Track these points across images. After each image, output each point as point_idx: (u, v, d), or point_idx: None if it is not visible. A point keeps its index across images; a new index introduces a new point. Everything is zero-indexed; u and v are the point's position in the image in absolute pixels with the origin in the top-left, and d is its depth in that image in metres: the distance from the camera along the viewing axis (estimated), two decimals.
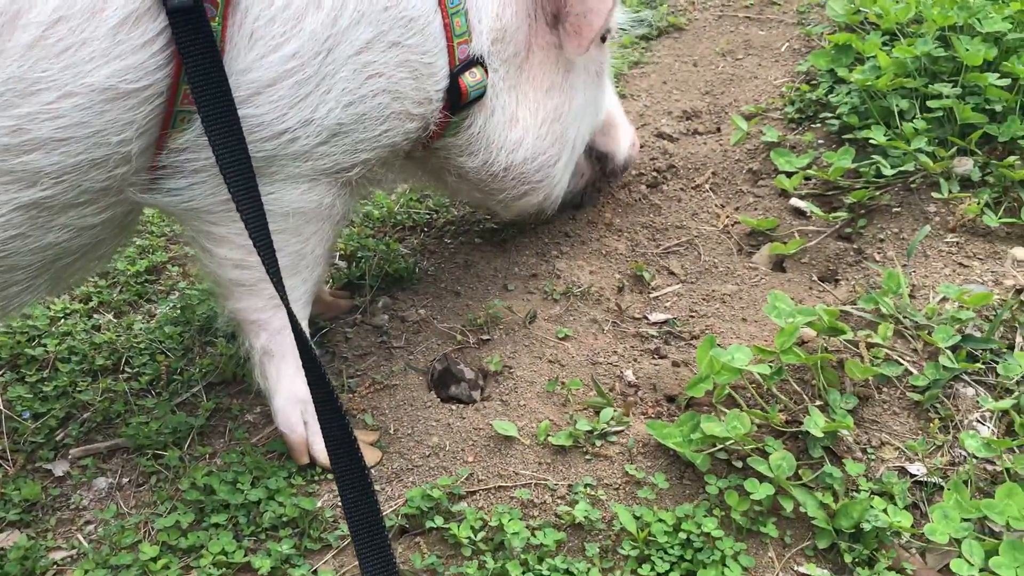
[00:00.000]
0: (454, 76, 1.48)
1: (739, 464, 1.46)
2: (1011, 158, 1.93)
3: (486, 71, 1.53)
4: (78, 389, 1.88)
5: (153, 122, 1.27)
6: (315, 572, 1.44)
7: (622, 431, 1.58)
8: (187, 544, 1.51)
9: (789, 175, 2.13)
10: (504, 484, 1.53)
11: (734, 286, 1.93)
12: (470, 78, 1.50)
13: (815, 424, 1.42)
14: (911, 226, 1.94)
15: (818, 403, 1.52)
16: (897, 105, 2.10)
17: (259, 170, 1.35)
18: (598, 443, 1.57)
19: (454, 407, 1.70)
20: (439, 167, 1.71)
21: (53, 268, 1.41)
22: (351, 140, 1.41)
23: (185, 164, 1.36)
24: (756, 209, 2.15)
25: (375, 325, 1.94)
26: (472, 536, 1.43)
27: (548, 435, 1.57)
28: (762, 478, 1.41)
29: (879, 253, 1.91)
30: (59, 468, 1.77)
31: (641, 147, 2.33)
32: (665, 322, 1.85)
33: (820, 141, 2.25)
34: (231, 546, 1.49)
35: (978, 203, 1.88)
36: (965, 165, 1.99)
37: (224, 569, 1.46)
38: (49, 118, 1.18)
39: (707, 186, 2.26)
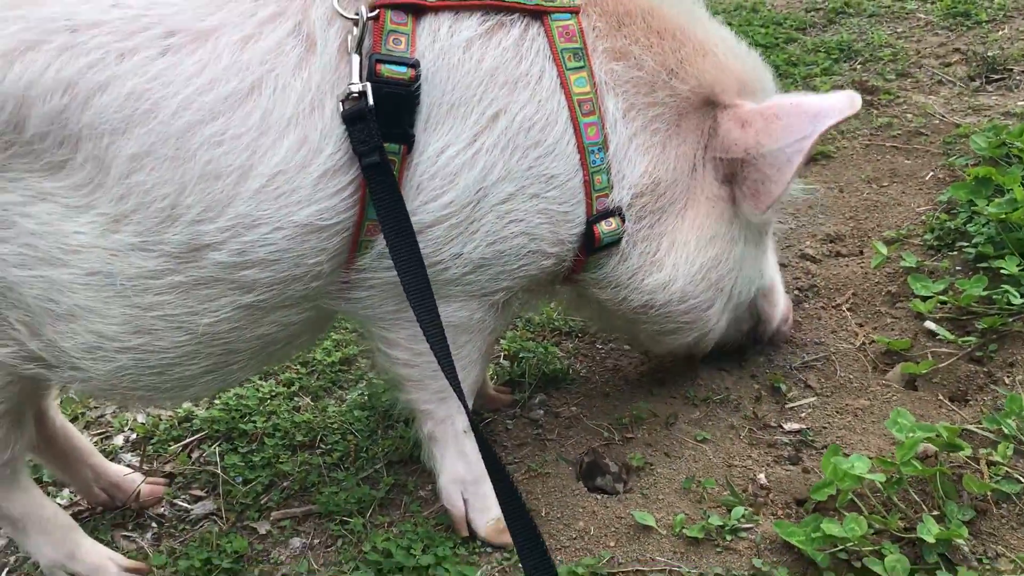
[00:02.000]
0: (590, 224, 1.68)
1: (857, 564, 1.61)
2: None
3: (623, 220, 1.72)
4: (280, 461, 2.21)
5: (341, 248, 1.58)
6: None
7: (751, 528, 1.76)
8: None
9: (924, 299, 2.27)
10: (641, 568, 1.73)
11: (867, 401, 2.08)
12: (605, 226, 1.69)
13: (928, 531, 1.55)
14: None
15: (935, 513, 1.64)
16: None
17: None
18: (729, 537, 1.74)
19: (599, 497, 1.92)
20: (583, 297, 1.93)
21: (263, 353, 1.73)
22: (493, 271, 1.67)
23: (364, 280, 1.66)
24: (893, 330, 2.29)
25: (532, 419, 2.19)
26: None
27: (683, 527, 1.76)
28: None
29: (1008, 377, 2.02)
30: (262, 527, 2.08)
31: (784, 267, 2.52)
32: (799, 431, 2.01)
33: (957, 268, 2.38)
34: None
35: None
36: None
37: None
38: (264, 245, 1.50)
39: (846, 306, 2.42)
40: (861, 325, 2.35)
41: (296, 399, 2.46)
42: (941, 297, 2.25)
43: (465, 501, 1.87)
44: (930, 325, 2.23)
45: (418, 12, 1.52)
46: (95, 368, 1.59)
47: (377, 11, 1.49)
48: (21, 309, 1.53)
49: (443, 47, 1.52)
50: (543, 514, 1.90)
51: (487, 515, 1.86)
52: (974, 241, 2.34)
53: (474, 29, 1.54)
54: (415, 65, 1.49)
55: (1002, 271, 2.15)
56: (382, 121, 1.47)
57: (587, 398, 2.21)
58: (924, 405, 2.03)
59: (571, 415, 2.16)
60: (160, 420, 2.44)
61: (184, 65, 1.43)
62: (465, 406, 1.50)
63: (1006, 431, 1.77)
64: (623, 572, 1.74)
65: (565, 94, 1.60)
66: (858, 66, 3.84)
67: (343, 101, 1.47)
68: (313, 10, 1.50)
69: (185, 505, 2.18)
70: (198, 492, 2.22)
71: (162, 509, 2.19)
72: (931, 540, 1.55)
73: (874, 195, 2.86)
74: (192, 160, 1.43)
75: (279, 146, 1.46)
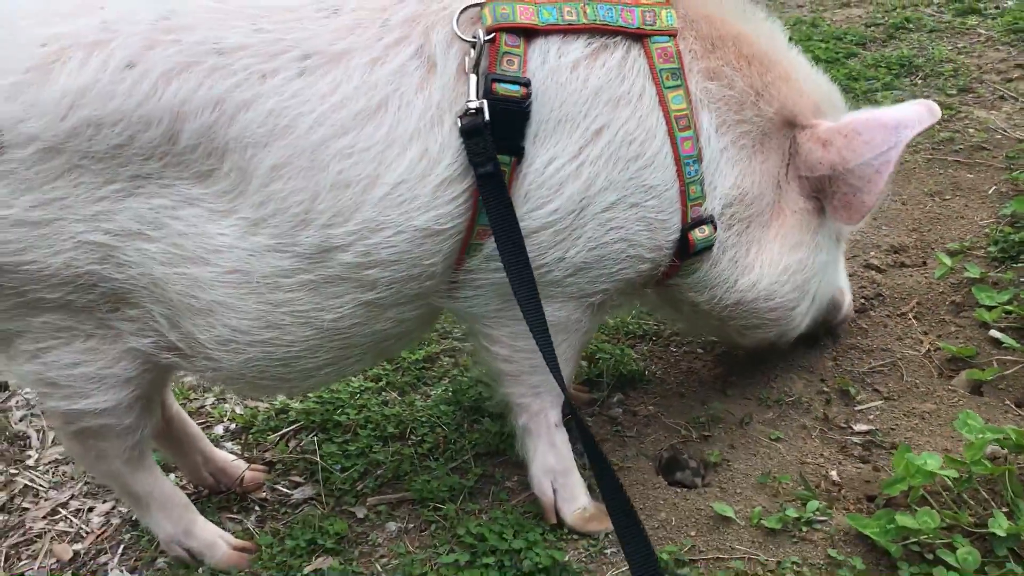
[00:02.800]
0: (684, 231, 1.82)
1: (930, 556, 1.71)
2: None
3: (715, 228, 1.85)
4: (373, 450, 2.36)
5: (453, 251, 1.72)
6: None
7: (826, 520, 1.87)
8: None
9: (989, 309, 2.36)
10: (721, 556, 1.85)
11: (933, 405, 2.18)
12: (699, 233, 1.82)
13: (999, 525, 1.66)
14: None
15: (1004, 510, 1.75)
16: None
17: None
18: (804, 529, 1.86)
19: (678, 490, 2.04)
20: (674, 299, 2.06)
21: (377, 348, 1.89)
22: (593, 274, 1.81)
23: (472, 281, 1.80)
24: (957, 338, 2.39)
25: (610, 416, 2.32)
26: None
27: (761, 519, 1.88)
28: (950, 568, 1.66)
29: None
30: (360, 512, 2.23)
31: (851, 276, 2.62)
32: (868, 432, 2.12)
33: (1021, 279, 2.47)
34: None
35: None
36: None
37: None
38: (387, 247, 1.65)
39: (911, 315, 2.52)
40: (926, 333, 2.45)
41: (384, 394, 2.62)
42: (1007, 307, 2.34)
43: (554, 491, 2.00)
44: (995, 333, 2.33)
45: (530, 35, 1.66)
46: (227, 359, 1.75)
47: (493, 34, 1.63)
48: (164, 303, 1.69)
49: (552, 67, 1.66)
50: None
51: (574, 504, 1.99)
52: None
53: (581, 51, 1.67)
54: (527, 84, 1.62)
55: None
56: (495, 135, 1.60)
57: (663, 398, 2.34)
58: (990, 410, 2.13)
59: (648, 414, 2.29)
60: (258, 411, 2.61)
61: (319, 85, 1.58)
62: (568, 395, 1.63)
63: None
64: (704, 560, 1.86)
65: (663, 111, 1.73)
66: (919, 81, 3.93)
67: (461, 117, 1.61)
68: (434, 34, 1.64)
69: (285, 490, 2.34)
70: (297, 479, 2.38)
71: (264, 494, 2.35)
72: (1002, 534, 1.65)
73: (936, 208, 2.95)
74: (325, 171, 1.58)
75: (403, 158, 1.60)
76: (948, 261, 2.58)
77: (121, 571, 2.23)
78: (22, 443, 2.75)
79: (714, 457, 2.08)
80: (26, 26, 1.54)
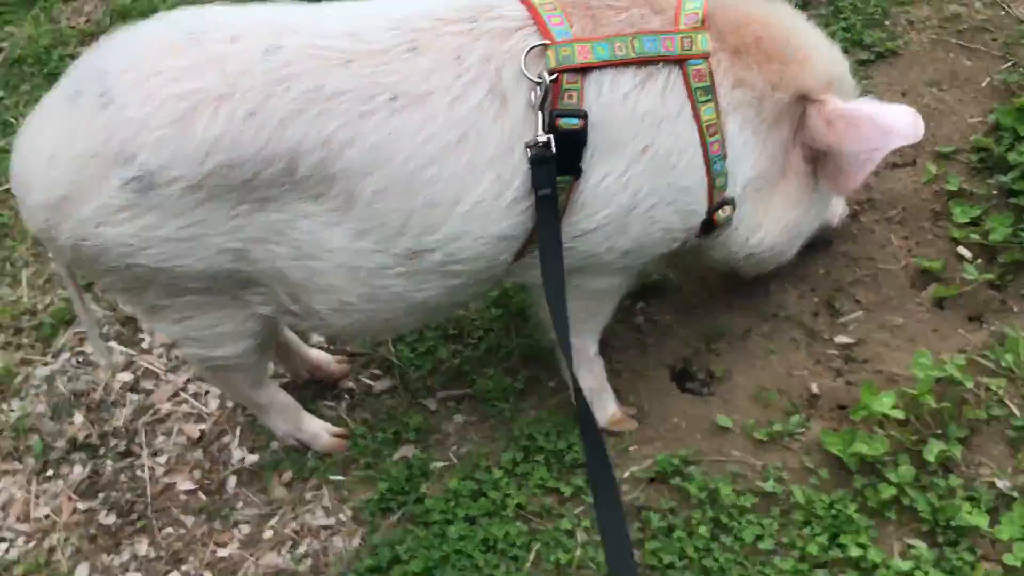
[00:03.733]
0: (710, 213, 2.18)
1: (880, 468, 2.25)
2: None
3: (734, 208, 2.21)
4: (438, 351, 2.87)
5: (515, 249, 2.11)
6: None
7: (804, 432, 2.39)
8: (520, 471, 2.47)
9: (960, 226, 2.75)
10: (719, 459, 2.40)
11: (902, 319, 2.63)
12: (722, 214, 2.18)
13: (931, 451, 2.18)
14: None
15: (939, 431, 2.26)
16: None
17: (580, 269, 2.19)
18: (786, 439, 2.39)
19: (689, 398, 2.56)
20: (693, 256, 2.46)
21: (454, 307, 2.42)
22: (637, 255, 2.21)
23: (531, 263, 2.16)
24: (932, 248, 2.79)
25: (634, 324, 2.79)
26: (698, 492, 2.31)
27: (753, 430, 2.40)
28: (891, 483, 2.19)
29: (1017, 306, 2.55)
30: (432, 404, 2.77)
31: None
32: (846, 345, 2.59)
33: (994, 193, 2.83)
34: (547, 476, 2.45)
35: None
36: None
37: (541, 490, 2.42)
38: (468, 250, 2.03)
39: (896, 220, 2.91)
40: (907, 239, 2.84)
41: None
42: (973, 226, 2.71)
43: (591, 403, 2.51)
44: (962, 251, 2.73)
45: (586, 71, 1.95)
46: (336, 321, 2.20)
47: (556, 75, 1.92)
48: (286, 286, 2.11)
49: (607, 100, 1.96)
50: (645, 408, 2.56)
51: (606, 412, 2.52)
52: (1009, 176, 2.77)
53: (630, 82, 1.96)
54: (584, 116, 1.94)
55: None
56: (559, 161, 1.94)
57: (679, 308, 2.80)
58: (947, 324, 2.59)
59: (666, 324, 2.76)
60: None
61: (410, 122, 1.90)
62: (569, 361, 1.97)
63: (1003, 364, 2.34)
64: (707, 461, 2.41)
65: (696, 123, 2.04)
66: None
67: (530, 147, 1.94)
68: (504, 73, 1.93)
69: (368, 382, 2.88)
70: (377, 372, 2.91)
71: (350, 384, 2.90)
72: (931, 458, 2.17)
73: (933, 101, 3.22)
74: (418, 195, 1.94)
75: (480, 182, 1.95)
76: (933, 168, 2.92)
77: (242, 451, 2.83)
78: (133, 325, 3.25)
79: (719, 372, 2.58)
80: (161, 83, 1.85)
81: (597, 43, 1.93)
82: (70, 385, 3.14)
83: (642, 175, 2.04)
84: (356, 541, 2.50)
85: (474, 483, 2.47)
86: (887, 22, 3.57)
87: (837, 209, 2.74)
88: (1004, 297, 2.60)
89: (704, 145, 2.07)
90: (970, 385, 2.29)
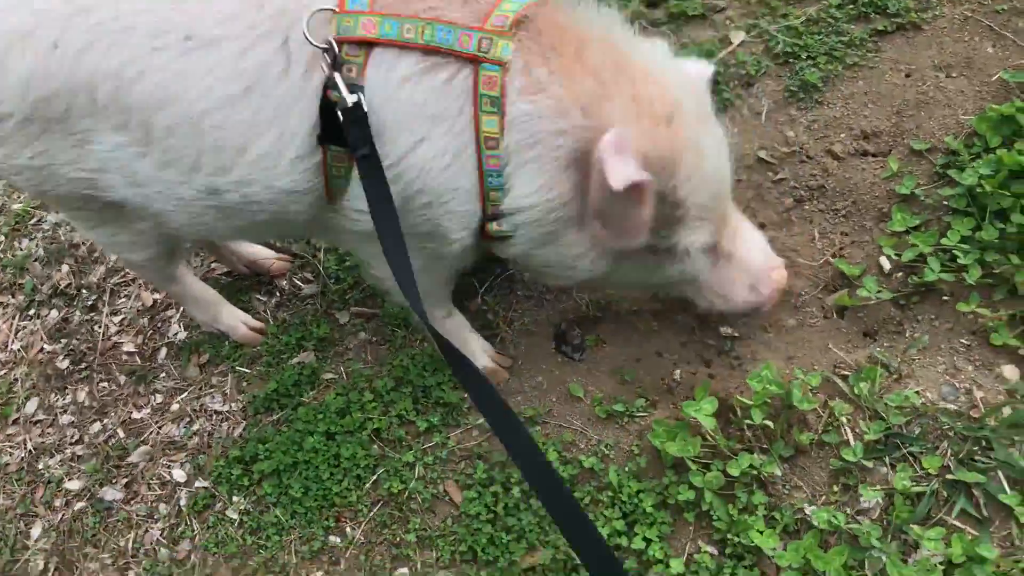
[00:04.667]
0: (483, 220, 2.04)
1: (691, 469, 2.28)
2: None
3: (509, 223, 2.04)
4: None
5: (309, 203, 2.08)
6: (448, 438, 2.52)
7: (645, 416, 2.43)
8: (388, 399, 2.63)
9: (893, 235, 2.62)
10: (562, 425, 2.48)
11: (795, 321, 2.58)
12: (495, 226, 2.04)
13: (737, 465, 2.19)
14: (949, 318, 2.43)
15: (764, 446, 2.25)
16: (1000, 204, 2.47)
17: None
18: (625, 420, 2.43)
19: (560, 359, 2.62)
20: None
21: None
22: (421, 244, 2.14)
23: (337, 227, 2.19)
24: (861, 251, 2.68)
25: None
26: None
27: (598, 404, 2.46)
28: (692, 485, 2.23)
29: (911, 330, 2.45)
30: (343, 318, 2.94)
31: (806, 162, 2.87)
32: (727, 338, 2.57)
33: (943, 204, 2.66)
34: (409, 409, 2.60)
35: (1000, 319, 2.33)
36: None
37: (400, 420, 2.58)
38: (260, 196, 2.04)
39: (842, 213, 2.79)
40: (844, 235, 2.73)
41: None
42: (903, 239, 2.58)
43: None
44: (883, 261, 2.61)
45: (371, 46, 1.88)
46: (201, 232, 2.28)
47: (339, 44, 1.87)
48: (138, 208, 2.23)
49: (384, 80, 1.87)
50: (519, 363, 2.65)
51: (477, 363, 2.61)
52: (955, 190, 2.59)
53: (412, 67, 1.87)
54: (360, 90, 1.87)
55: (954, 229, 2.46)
56: (328, 134, 1.91)
57: None
58: (838, 335, 2.51)
59: None
60: None
61: (200, 65, 1.92)
62: (422, 315, 1.85)
63: (856, 391, 2.28)
64: (553, 424, 2.49)
65: (475, 131, 1.90)
66: None
67: (336, 107, 1.87)
68: (294, 32, 1.89)
69: (299, 284, 3.07)
70: (308, 276, 3.09)
71: (284, 283, 3.10)
72: (737, 472, 2.19)
73: (933, 87, 2.99)
74: (205, 136, 1.97)
75: (264, 137, 1.94)
76: (895, 165, 2.76)
77: (179, 326, 3.10)
78: None
79: (591, 341, 2.62)
80: None
81: (387, 19, 1.85)
82: (68, 236, 3.49)
83: (413, 170, 1.94)
84: (239, 431, 2.75)
85: (344, 400, 2.65)
86: None
87: (735, 289, 2.32)
88: (903, 319, 2.49)
89: (479, 155, 1.92)
90: (807, 407, 2.25)
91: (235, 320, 2.92)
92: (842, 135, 2.97)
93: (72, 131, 2.05)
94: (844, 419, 2.27)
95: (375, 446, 2.57)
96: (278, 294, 3.08)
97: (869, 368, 2.30)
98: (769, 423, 2.25)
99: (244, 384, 2.86)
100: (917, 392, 2.29)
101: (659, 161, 1.90)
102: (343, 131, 1.88)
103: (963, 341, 2.39)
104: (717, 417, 2.33)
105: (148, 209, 2.20)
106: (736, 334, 2.58)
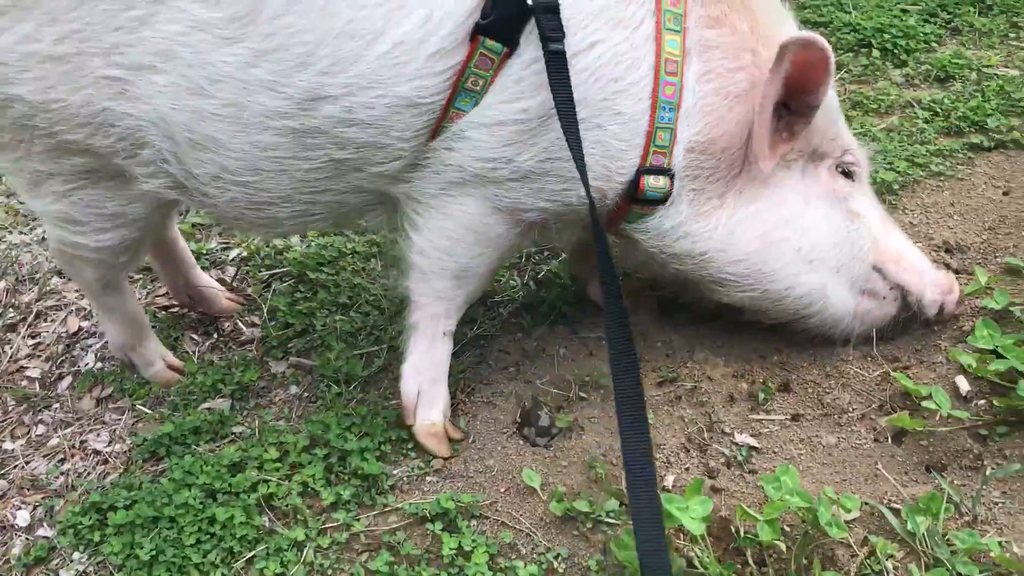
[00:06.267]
0: (639, 173, 1.78)
1: None
2: None
3: (671, 181, 1.81)
4: (315, 315, 2.50)
5: (417, 128, 1.76)
6: (356, 519, 1.89)
7: (616, 525, 1.78)
8: (295, 459, 2.03)
9: (977, 352, 2.01)
10: (507, 523, 1.84)
11: (836, 438, 1.94)
12: (652, 181, 1.79)
13: None
14: None
15: (763, 569, 1.59)
16: None
17: (463, 183, 1.82)
18: (588, 525, 1.79)
19: (520, 442, 2.02)
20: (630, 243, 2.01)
21: (337, 212, 2.00)
22: (534, 187, 1.81)
23: (425, 162, 1.83)
24: (933, 371, 2.07)
25: (518, 342, 2.28)
26: (450, 551, 1.77)
27: (557, 501, 1.83)
28: None
29: (996, 465, 1.79)
30: (279, 367, 2.40)
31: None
32: (743, 446, 1.94)
33: None
34: (318, 477, 1.99)
35: None
36: None
37: (302, 488, 1.97)
38: (368, 109, 1.72)
39: (911, 328, 2.19)
40: (916, 351, 2.12)
41: (372, 261, 2.72)
42: (989, 359, 1.97)
43: (418, 393, 2.04)
44: (960, 382, 1.99)
45: None
46: (216, 193, 1.89)
47: None
48: (168, 138, 1.80)
49: None
50: (471, 439, 2.05)
51: (429, 414, 2.04)
52: None
53: None
54: None
55: None
56: (500, 23, 1.65)
57: (576, 341, 2.25)
58: (891, 463, 1.87)
59: (557, 354, 2.23)
60: (265, 247, 2.81)
61: None
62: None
63: (909, 527, 1.62)
64: (493, 520, 1.86)
65: (656, 48, 1.72)
66: None
67: None
68: None
69: (241, 326, 2.56)
70: (255, 320, 2.58)
71: (227, 324, 2.59)
72: None
73: None
74: (336, 17, 1.65)
75: (408, 19, 1.66)
76: (984, 279, 2.19)
77: (94, 356, 2.60)
78: None
79: (562, 423, 2.01)
80: None
81: None
82: (22, 255, 3.09)
83: (580, 75, 1.70)
84: (114, 476, 2.18)
85: (242, 455, 2.07)
86: None
87: (923, 274, 2.09)
88: (983, 452, 1.84)
89: (657, 77, 1.73)
90: (838, 534, 1.59)
91: (154, 355, 2.40)
92: (918, 244, 2.41)
93: (133, 3, 1.66)
94: (889, 562, 1.59)
95: (263, 516, 1.95)
96: (215, 335, 2.57)
97: (931, 496, 1.64)
98: (781, 544, 1.58)
99: (139, 425, 2.31)
100: (1000, 543, 1.61)
101: None
102: (522, 20, 1.66)
103: None
104: (712, 535, 1.68)
105: (182, 135, 1.77)
106: (756, 444, 1.96)
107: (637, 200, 1.84)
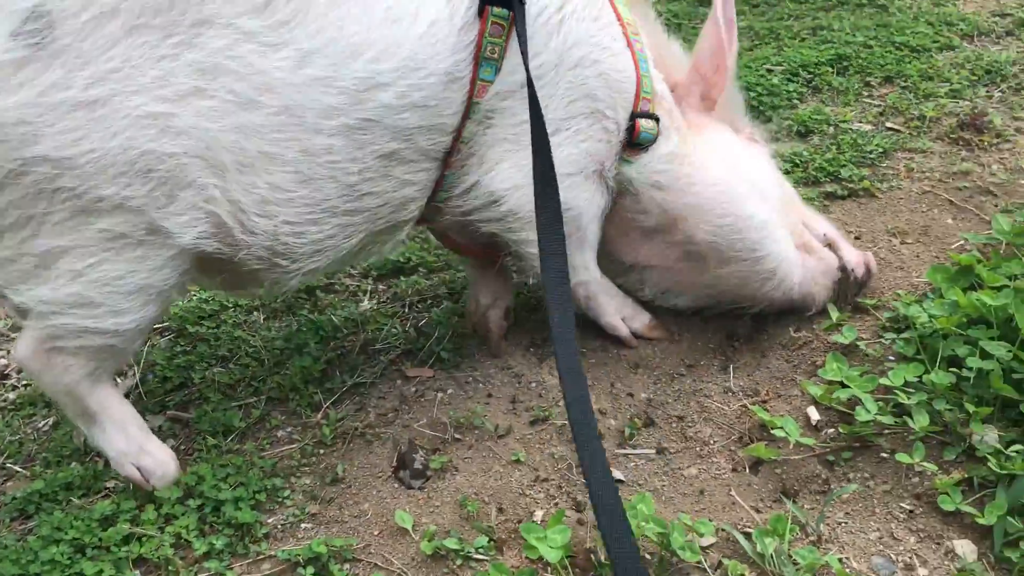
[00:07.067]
0: (635, 116, 2.09)
1: None
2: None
3: (658, 126, 2.13)
4: (195, 367, 2.49)
5: (461, 100, 1.93)
6: (228, 568, 1.89)
7: (484, 561, 1.82)
8: (169, 511, 2.01)
9: (825, 383, 2.13)
10: (377, 564, 1.86)
11: (697, 469, 2.03)
12: (646, 123, 2.10)
13: None
14: (888, 477, 1.90)
15: None
16: (954, 350, 2.01)
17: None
18: (457, 562, 1.82)
19: (395, 486, 2.05)
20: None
21: (374, 223, 2.04)
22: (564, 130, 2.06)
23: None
24: (788, 403, 2.18)
25: (404, 393, 2.32)
26: None
27: (428, 539, 1.86)
28: None
29: (838, 486, 1.90)
30: (156, 421, 2.38)
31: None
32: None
33: (890, 357, 2.20)
34: (191, 527, 1.97)
35: (951, 480, 1.80)
36: (990, 436, 1.88)
37: (173, 539, 1.95)
38: (420, 90, 1.87)
39: (768, 366, 2.31)
40: (773, 386, 2.24)
41: (254, 314, 2.74)
42: (836, 390, 2.09)
43: (624, 319, 2.39)
44: (810, 411, 2.11)
45: None
46: (263, 226, 1.86)
47: None
48: (214, 167, 1.75)
49: None
50: (346, 483, 2.07)
51: (643, 318, 2.42)
52: (904, 335, 2.14)
53: None
54: None
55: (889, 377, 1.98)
56: None
57: (453, 385, 2.31)
58: (748, 491, 1.96)
59: (435, 399, 2.28)
60: None
61: None
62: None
63: (758, 548, 1.70)
64: (365, 562, 1.87)
65: (615, 10, 2.09)
66: (996, 93, 3.42)
67: None
68: None
69: (117, 380, 2.53)
70: (131, 375, 2.56)
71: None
72: None
73: (884, 251, 2.63)
74: (380, 3, 1.79)
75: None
76: (835, 315, 2.34)
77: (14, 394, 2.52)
78: None
79: (435, 464, 2.05)
80: None
81: None
82: None
83: (572, 18, 1.98)
84: None
85: (114, 508, 2.04)
86: (885, 163, 3.02)
87: (850, 251, 2.43)
88: (831, 477, 1.95)
89: (625, 31, 2.09)
90: (691, 558, 1.67)
91: (165, 450, 2.09)
92: None
93: (175, 28, 1.62)
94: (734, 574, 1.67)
95: (135, 569, 1.93)
96: None
97: (778, 519, 1.73)
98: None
99: (9, 484, 2.25)
100: (840, 559, 1.71)
101: None
102: None
103: (903, 505, 1.84)
104: (577, 566, 1.74)
105: (229, 160, 1.73)
106: (623, 477, 2.03)
107: (632, 144, 2.12)
